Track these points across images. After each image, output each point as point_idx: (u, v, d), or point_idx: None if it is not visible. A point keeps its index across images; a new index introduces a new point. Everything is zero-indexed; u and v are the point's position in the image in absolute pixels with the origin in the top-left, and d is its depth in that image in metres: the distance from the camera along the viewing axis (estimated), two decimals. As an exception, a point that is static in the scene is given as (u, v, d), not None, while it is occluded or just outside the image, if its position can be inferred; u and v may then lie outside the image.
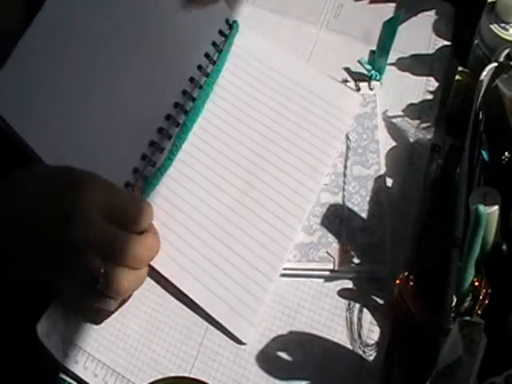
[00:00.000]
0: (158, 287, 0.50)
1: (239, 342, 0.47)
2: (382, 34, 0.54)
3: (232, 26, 0.59)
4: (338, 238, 0.50)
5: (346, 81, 0.57)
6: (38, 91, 0.46)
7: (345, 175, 0.53)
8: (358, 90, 0.56)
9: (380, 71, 0.56)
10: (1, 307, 0.48)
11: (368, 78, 0.57)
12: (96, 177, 0.46)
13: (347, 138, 0.54)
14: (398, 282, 0.45)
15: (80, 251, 0.43)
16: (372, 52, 0.58)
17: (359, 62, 0.58)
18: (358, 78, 0.57)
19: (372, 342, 0.46)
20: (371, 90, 0.56)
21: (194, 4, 0.55)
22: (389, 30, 0.53)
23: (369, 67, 0.57)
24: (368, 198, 0.51)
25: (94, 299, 0.45)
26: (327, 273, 0.49)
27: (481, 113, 0.47)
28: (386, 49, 0.55)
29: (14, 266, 0.45)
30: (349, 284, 0.49)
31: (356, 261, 0.49)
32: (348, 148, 0.54)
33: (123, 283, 0.44)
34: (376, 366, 0.45)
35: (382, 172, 0.52)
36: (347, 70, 0.58)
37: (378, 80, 0.57)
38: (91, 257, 0.43)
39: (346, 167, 0.53)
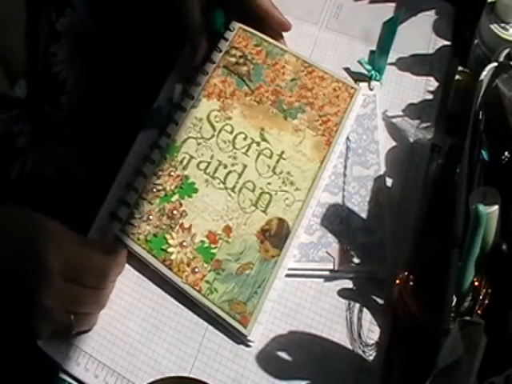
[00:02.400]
0: (158, 288, 0.50)
1: (246, 341, 0.47)
2: (382, 34, 0.54)
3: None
4: (338, 238, 0.50)
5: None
6: None
7: (345, 175, 0.53)
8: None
9: (380, 71, 0.56)
10: (1, 307, 0.48)
11: (368, 78, 0.57)
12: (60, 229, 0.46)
13: (347, 138, 0.54)
14: (398, 281, 0.45)
15: (47, 314, 0.45)
16: (372, 52, 0.58)
17: (359, 62, 0.58)
18: (357, 78, 0.57)
19: (372, 341, 0.46)
20: (371, 90, 0.56)
21: None
22: (389, 30, 0.53)
23: (369, 67, 0.57)
24: (368, 198, 0.51)
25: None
26: (327, 273, 0.49)
27: (481, 113, 0.47)
28: (386, 49, 0.55)
29: None
30: (349, 284, 0.49)
31: (356, 261, 0.49)
32: (348, 148, 0.54)
33: (90, 322, 0.48)
34: (376, 366, 0.45)
35: (381, 172, 0.53)
36: (347, 69, 0.58)
37: (377, 80, 0.57)
38: (59, 316, 0.45)
39: (345, 167, 0.53)
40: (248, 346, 0.47)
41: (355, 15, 0.62)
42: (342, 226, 0.51)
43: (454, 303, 0.42)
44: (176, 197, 0.52)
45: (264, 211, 0.51)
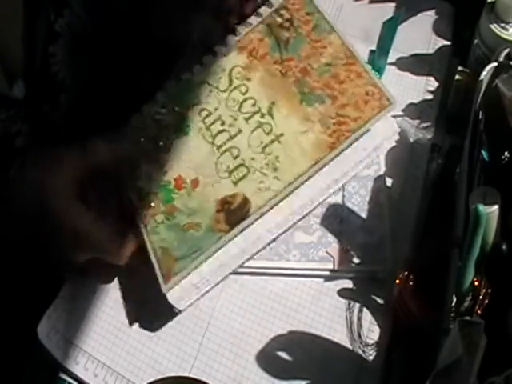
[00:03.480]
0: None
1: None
2: (381, 34, 0.54)
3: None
4: (338, 238, 0.50)
5: None
6: None
7: None
8: None
9: (380, 71, 0.56)
10: (1, 307, 0.48)
11: None
12: None
13: None
14: (398, 281, 0.45)
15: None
16: (372, 52, 0.58)
17: None
18: None
19: (372, 341, 0.46)
20: None
21: None
22: (389, 30, 0.53)
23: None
24: (368, 198, 0.51)
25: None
26: (327, 273, 0.49)
27: (481, 113, 0.47)
28: (385, 48, 0.55)
29: None
30: (349, 284, 0.49)
31: (356, 261, 0.49)
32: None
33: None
34: (376, 366, 0.45)
35: (381, 172, 0.52)
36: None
37: None
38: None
39: None
40: (164, 304, 0.47)
41: (355, 15, 0.62)
42: (341, 226, 0.51)
43: (453, 303, 0.42)
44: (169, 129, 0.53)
45: (235, 183, 0.49)
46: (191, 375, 0.47)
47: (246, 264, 0.49)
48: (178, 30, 0.60)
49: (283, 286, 0.49)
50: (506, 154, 0.44)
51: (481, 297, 0.40)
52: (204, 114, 0.53)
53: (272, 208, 0.48)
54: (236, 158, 0.50)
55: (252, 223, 0.48)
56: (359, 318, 0.47)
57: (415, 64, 0.58)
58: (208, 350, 0.48)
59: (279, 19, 0.54)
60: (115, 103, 0.62)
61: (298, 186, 0.48)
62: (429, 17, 0.61)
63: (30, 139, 0.54)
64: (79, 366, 0.48)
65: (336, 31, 0.52)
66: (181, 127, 0.53)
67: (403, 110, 0.56)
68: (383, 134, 0.49)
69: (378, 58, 0.56)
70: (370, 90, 0.49)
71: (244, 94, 0.53)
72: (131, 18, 0.62)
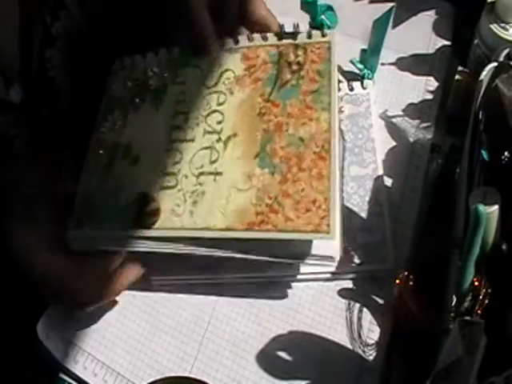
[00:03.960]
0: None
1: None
2: (373, 32, 0.53)
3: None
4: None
5: (339, 81, 0.56)
6: None
7: (342, 176, 0.53)
8: (352, 89, 0.56)
9: (372, 70, 0.56)
10: (1, 307, 0.48)
11: (361, 78, 0.56)
12: None
13: (343, 138, 0.54)
14: (398, 281, 0.45)
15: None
16: (363, 51, 0.57)
17: (351, 61, 0.58)
18: (350, 77, 0.57)
19: (372, 341, 0.46)
20: (364, 88, 0.56)
21: None
22: (379, 28, 0.52)
23: (361, 66, 0.57)
24: (367, 198, 0.51)
25: None
26: (328, 275, 0.49)
27: (481, 113, 0.47)
28: (377, 47, 0.54)
29: None
30: (349, 284, 0.49)
31: (357, 261, 0.49)
32: (344, 148, 0.54)
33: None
34: (376, 366, 0.45)
35: (379, 170, 0.52)
36: (339, 68, 0.58)
37: (370, 78, 0.56)
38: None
39: (343, 168, 0.53)
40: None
41: (355, 15, 0.62)
42: (342, 226, 0.51)
43: (453, 303, 0.42)
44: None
45: (160, 188, 0.48)
46: (191, 375, 0.47)
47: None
48: (179, 32, 0.60)
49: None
50: (506, 153, 0.44)
51: (481, 297, 0.40)
52: (180, 98, 0.51)
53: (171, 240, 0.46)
54: (174, 164, 0.48)
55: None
56: (359, 318, 0.47)
57: (415, 64, 0.58)
58: (208, 350, 0.48)
59: (292, 56, 0.50)
60: None
61: (200, 238, 0.45)
62: (429, 17, 0.61)
63: (27, 143, 0.54)
64: (78, 365, 0.48)
65: (330, 113, 0.47)
66: (157, 96, 0.52)
67: (403, 110, 0.56)
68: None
69: (369, 56, 0.56)
70: (319, 202, 0.43)
71: (219, 104, 0.50)
72: (128, 20, 0.61)
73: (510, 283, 0.40)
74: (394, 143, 0.54)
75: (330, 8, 0.59)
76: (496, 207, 0.40)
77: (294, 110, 0.47)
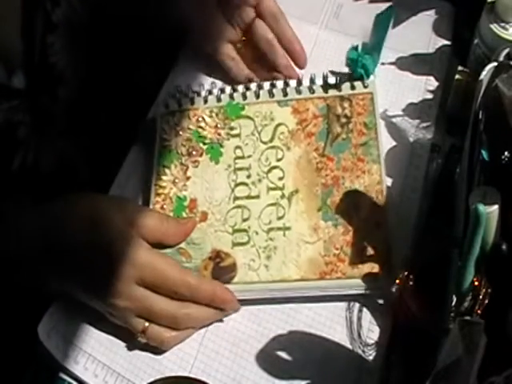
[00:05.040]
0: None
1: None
2: (374, 28, 0.52)
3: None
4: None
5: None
6: None
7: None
8: (353, 88, 0.55)
9: (370, 68, 0.54)
10: (2, 308, 0.48)
11: (359, 77, 0.54)
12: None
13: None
14: (398, 281, 0.45)
15: (121, 313, 0.46)
16: (353, 49, 0.55)
17: (348, 65, 0.55)
18: (351, 77, 0.55)
19: (372, 341, 0.46)
20: (365, 87, 0.55)
21: None
22: (382, 24, 0.51)
23: (359, 66, 0.54)
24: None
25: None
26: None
27: (481, 113, 0.47)
28: (378, 44, 0.53)
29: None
30: (349, 284, 0.49)
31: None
32: None
33: (162, 339, 0.46)
34: (376, 366, 0.45)
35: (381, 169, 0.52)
36: (331, 71, 0.57)
37: (368, 76, 0.54)
38: (131, 317, 0.46)
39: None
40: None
41: (355, 15, 0.62)
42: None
43: (453, 303, 0.42)
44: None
45: (234, 244, 0.50)
46: (191, 375, 0.47)
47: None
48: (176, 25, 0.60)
49: (283, 286, 0.49)
50: (506, 153, 0.44)
51: (481, 297, 0.40)
52: (238, 153, 0.53)
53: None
54: (244, 220, 0.50)
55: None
56: (359, 318, 0.47)
57: (415, 64, 0.58)
58: (208, 350, 0.48)
59: (339, 109, 0.53)
60: (116, 95, 0.62)
61: (278, 289, 0.48)
62: (429, 17, 0.61)
63: (31, 130, 0.54)
64: (79, 365, 0.48)
65: (380, 164, 0.50)
66: (214, 149, 0.53)
67: (403, 110, 0.56)
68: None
69: (370, 52, 0.54)
70: (375, 248, 0.47)
71: (278, 160, 0.52)
72: (128, 9, 0.61)
73: (510, 283, 0.40)
74: (394, 143, 0.54)
75: (366, 53, 0.55)
76: (496, 207, 0.40)
77: (347, 163, 0.51)
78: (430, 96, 0.56)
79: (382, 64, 0.58)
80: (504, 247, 0.41)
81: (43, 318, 0.49)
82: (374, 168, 0.50)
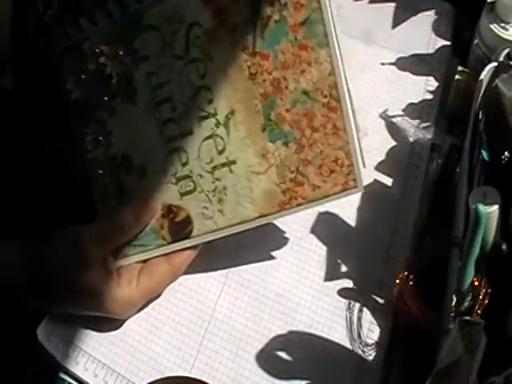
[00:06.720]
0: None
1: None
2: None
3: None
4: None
5: None
6: None
7: (356, 124, 0.51)
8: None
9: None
10: (1, 308, 0.48)
11: None
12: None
13: None
14: (398, 281, 0.45)
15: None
16: None
17: None
18: None
19: (372, 341, 0.46)
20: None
21: None
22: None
23: None
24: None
25: None
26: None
27: (481, 113, 0.47)
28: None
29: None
30: (349, 284, 0.49)
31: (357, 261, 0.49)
32: None
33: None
34: (376, 366, 0.45)
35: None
36: None
37: None
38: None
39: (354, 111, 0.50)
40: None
41: (355, 15, 0.62)
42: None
43: (453, 303, 0.42)
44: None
45: (181, 194, 0.44)
46: (191, 375, 0.47)
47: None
48: None
49: (283, 285, 0.49)
50: (506, 153, 0.44)
51: (481, 297, 0.40)
52: (154, 81, 0.43)
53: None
54: (184, 165, 0.44)
55: (194, 248, 0.45)
56: (359, 318, 0.47)
57: (415, 64, 0.58)
58: (208, 350, 0.48)
59: None
60: None
61: (240, 232, 0.44)
62: (429, 17, 0.61)
63: (22, 129, 0.54)
64: (79, 366, 0.48)
65: (329, 46, 0.39)
66: (126, 86, 0.43)
67: (403, 110, 0.56)
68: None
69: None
70: (341, 159, 0.40)
71: (201, 77, 0.42)
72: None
73: (510, 283, 0.40)
74: (394, 143, 0.54)
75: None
76: (496, 207, 0.40)
77: (287, 56, 0.40)
78: (429, 96, 0.56)
79: (382, 64, 0.58)
80: (504, 247, 0.41)
81: (44, 319, 0.49)
82: (322, 54, 0.39)
